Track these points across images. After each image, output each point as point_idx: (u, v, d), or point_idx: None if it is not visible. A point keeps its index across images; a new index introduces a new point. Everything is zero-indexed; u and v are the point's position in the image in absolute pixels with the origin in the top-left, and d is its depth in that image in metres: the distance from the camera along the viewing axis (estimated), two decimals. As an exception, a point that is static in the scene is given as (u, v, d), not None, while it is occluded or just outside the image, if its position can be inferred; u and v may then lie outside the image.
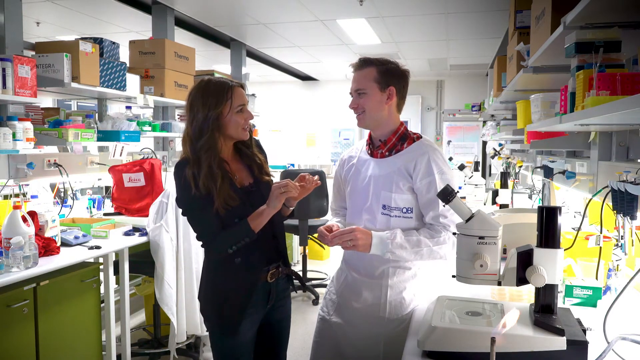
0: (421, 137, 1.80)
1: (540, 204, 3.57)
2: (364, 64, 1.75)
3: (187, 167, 1.72)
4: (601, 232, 1.73)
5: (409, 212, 1.73)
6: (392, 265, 1.75)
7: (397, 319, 1.74)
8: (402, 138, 1.78)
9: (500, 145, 4.82)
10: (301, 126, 9.14)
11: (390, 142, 1.78)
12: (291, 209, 1.88)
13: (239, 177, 1.83)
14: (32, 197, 2.83)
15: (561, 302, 1.68)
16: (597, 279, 1.77)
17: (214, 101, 1.71)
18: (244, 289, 1.77)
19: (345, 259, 1.92)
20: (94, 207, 3.51)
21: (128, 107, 3.94)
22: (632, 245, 1.76)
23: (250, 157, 1.87)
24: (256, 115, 4.64)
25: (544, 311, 1.31)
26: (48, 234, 2.48)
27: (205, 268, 1.88)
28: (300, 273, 4.97)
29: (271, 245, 1.84)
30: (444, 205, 1.42)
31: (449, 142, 8.62)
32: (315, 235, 4.91)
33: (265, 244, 1.80)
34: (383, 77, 1.73)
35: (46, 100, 5.77)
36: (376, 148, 1.81)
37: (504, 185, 3.61)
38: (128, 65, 3.86)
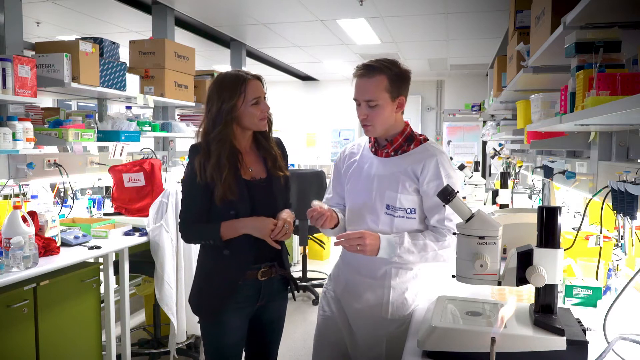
0: (428, 140, 1.79)
1: (540, 204, 3.57)
2: (373, 71, 1.66)
3: (198, 156, 1.78)
4: (601, 232, 1.73)
5: (413, 212, 1.72)
6: (395, 266, 1.74)
7: (399, 319, 1.73)
8: (409, 139, 1.76)
9: (500, 145, 4.82)
10: (301, 126, 9.15)
11: (397, 142, 1.75)
12: None
13: (254, 169, 1.86)
14: (32, 197, 2.82)
15: (561, 302, 1.67)
16: (597, 279, 1.77)
17: (228, 94, 1.76)
18: (228, 280, 1.80)
19: (345, 259, 1.89)
20: (94, 207, 3.50)
21: (128, 107, 3.94)
22: (632, 245, 1.76)
23: (266, 150, 1.89)
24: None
25: (544, 311, 1.31)
26: (48, 234, 2.48)
27: (198, 256, 1.93)
28: (300, 273, 4.98)
29: (267, 243, 1.82)
30: (443, 206, 1.41)
31: (449, 142, 8.62)
32: (316, 235, 4.90)
33: (261, 242, 1.79)
34: (394, 86, 1.67)
35: (46, 100, 5.77)
36: (382, 147, 1.79)
37: (504, 185, 3.61)
38: (128, 65, 3.86)
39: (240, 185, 1.78)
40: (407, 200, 1.71)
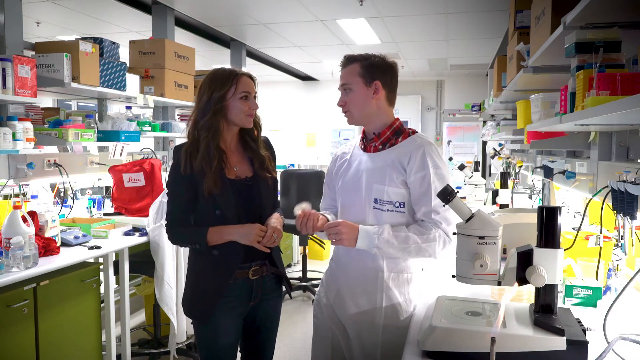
0: (416, 132, 1.78)
1: (540, 204, 3.57)
2: (348, 61, 1.76)
3: (184, 148, 1.80)
4: (601, 232, 1.72)
5: (402, 206, 1.69)
6: (387, 270, 1.71)
7: (393, 325, 1.70)
8: (397, 132, 1.75)
9: (500, 145, 4.82)
10: (301, 126, 9.14)
11: (384, 135, 1.75)
12: None
13: (239, 168, 1.86)
14: (32, 197, 2.82)
15: (561, 302, 1.67)
16: (597, 279, 1.77)
17: (219, 85, 1.78)
18: (218, 280, 1.80)
19: (338, 264, 1.85)
20: (94, 207, 3.50)
21: (128, 107, 3.94)
22: (632, 245, 1.76)
23: (253, 150, 1.90)
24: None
25: (544, 311, 1.31)
26: (48, 234, 2.48)
27: (188, 258, 1.93)
28: (300, 273, 4.98)
29: None
30: (444, 205, 1.41)
31: (449, 142, 8.62)
32: (316, 235, 4.89)
33: None
34: (367, 72, 1.72)
35: (46, 100, 5.77)
36: (370, 141, 1.78)
37: (504, 185, 3.61)
38: (128, 65, 3.86)
39: (224, 184, 1.78)
40: (395, 193, 1.68)
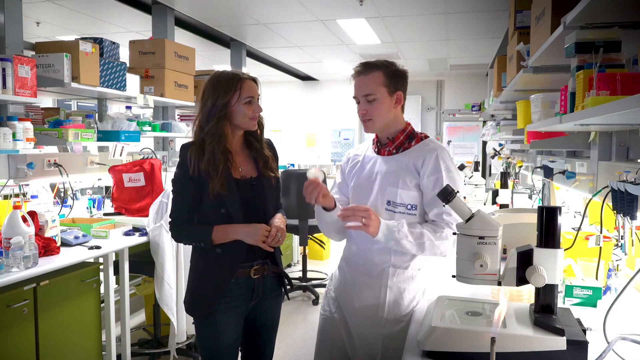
0: (428, 137, 1.82)
1: (540, 204, 3.57)
2: (369, 67, 1.73)
3: (191, 149, 1.80)
4: (601, 232, 1.73)
5: (413, 209, 1.73)
6: (392, 265, 1.75)
7: (395, 319, 1.74)
8: (410, 137, 1.80)
9: (500, 145, 4.82)
10: (301, 126, 9.14)
11: (398, 140, 1.79)
12: None
13: (244, 168, 1.88)
14: (32, 197, 2.82)
15: (561, 302, 1.67)
16: (597, 279, 1.77)
17: (223, 90, 1.78)
18: (220, 278, 1.81)
19: (345, 257, 1.92)
20: (94, 207, 3.50)
21: (128, 107, 3.94)
22: (632, 245, 1.76)
23: (258, 151, 1.91)
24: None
25: (544, 311, 1.31)
26: (48, 234, 2.48)
27: (191, 256, 1.94)
28: (300, 273, 4.98)
29: None
30: (444, 205, 1.41)
31: (449, 142, 8.62)
32: (316, 235, 4.89)
33: None
34: (391, 81, 1.73)
35: (46, 100, 5.77)
36: (383, 146, 1.82)
37: (504, 185, 3.61)
38: (128, 65, 3.86)
39: (230, 184, 1.80)
40: (408, 196, 1.72)
